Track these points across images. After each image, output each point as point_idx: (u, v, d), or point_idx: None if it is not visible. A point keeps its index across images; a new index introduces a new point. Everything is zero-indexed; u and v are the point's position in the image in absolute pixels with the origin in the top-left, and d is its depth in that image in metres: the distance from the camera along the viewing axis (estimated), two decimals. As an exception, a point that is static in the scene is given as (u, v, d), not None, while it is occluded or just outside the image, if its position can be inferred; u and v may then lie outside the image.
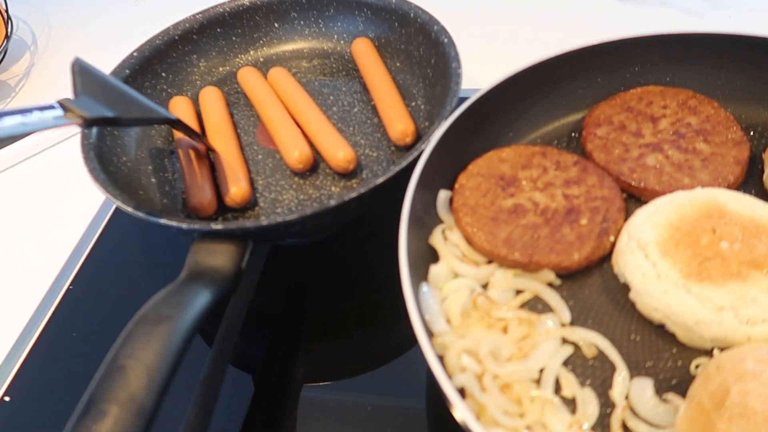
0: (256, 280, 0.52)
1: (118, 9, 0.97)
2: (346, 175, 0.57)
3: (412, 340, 0.52)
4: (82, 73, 0.47)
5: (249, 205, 0.56)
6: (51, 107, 0.39)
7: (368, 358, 0.52)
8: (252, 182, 0.57)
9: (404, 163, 0.48)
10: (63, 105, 0.40)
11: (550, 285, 0.45)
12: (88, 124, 0.41)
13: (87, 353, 0.54)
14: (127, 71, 0.62)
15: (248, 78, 0.65)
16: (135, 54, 0.64)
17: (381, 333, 0.53)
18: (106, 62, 0.81)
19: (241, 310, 0.49)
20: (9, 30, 0.86)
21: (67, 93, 0.81)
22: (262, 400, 0.50)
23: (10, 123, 0.34)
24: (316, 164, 0.58)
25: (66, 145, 0.74)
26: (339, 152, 0.56)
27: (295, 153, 0.54)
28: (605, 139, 0.53)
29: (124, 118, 0.45)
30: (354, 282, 0.57)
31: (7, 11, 0.85)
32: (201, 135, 0.55)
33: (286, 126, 0.57)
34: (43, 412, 0.51)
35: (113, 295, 0.59)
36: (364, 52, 0.65)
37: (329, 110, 0.64)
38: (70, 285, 0.59)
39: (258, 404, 0.50)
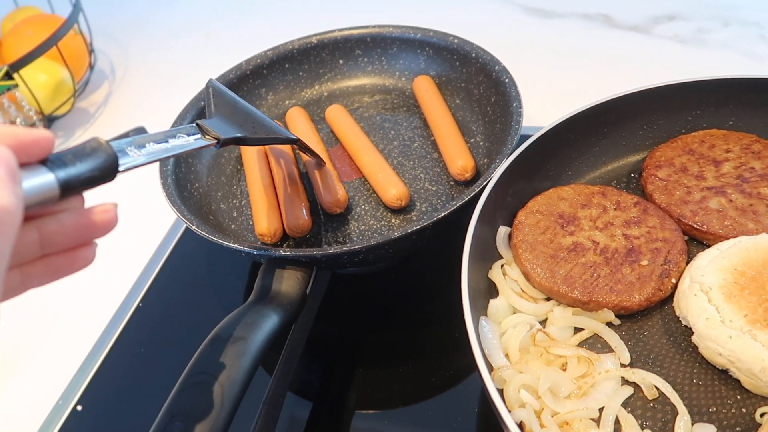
0: (317, 306, 0.54)
1: (190, 41, 1.03)
2: (405, 207, 0.59)
3: (465, 373, 0.53)
4: (215, 94, 0.50)
5: (311, 233, 0.58)
6: (195, 131, 0.41)
7: (420, 388, 0.53)
8: (312, 212, 0.59)
9: (466, 198, 0.50)
10: (200, 127, 0.42)
11: (610, 324, 0.45)
12: (221, 144, 0.43)
13: (154, 368, 0.57)
14: (202, 102, 0.66)
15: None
16: (210, 86, 0.67)
17: (434, 364, 0.54)
18: (179, 92, 0.86)
19: (302, 336, 0.51)
20: (92, 61, 0.93)
21: (142, 121, 0.86)
22: (316, 425, 0.52)
23: (157, 148, 0.36)
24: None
25: (140, 170, 0.78)
26: (392, 189, 0.57)
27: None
28: (666, 181, 0.53)
29: (251, 137, 0.47)
30: (409, 312, 0.58)
31: (91, 44, 0.92)
32: (317, 154, 0.58)
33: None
34: (113, 421, 0.53)
35: (178, 313, 0.62)
36: (426, 89, 0.68)
37: (390, 144, 0.66)
38: (140, 303, 0.62)
39: (311, 429, 0.51)
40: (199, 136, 0.41)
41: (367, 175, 0.61)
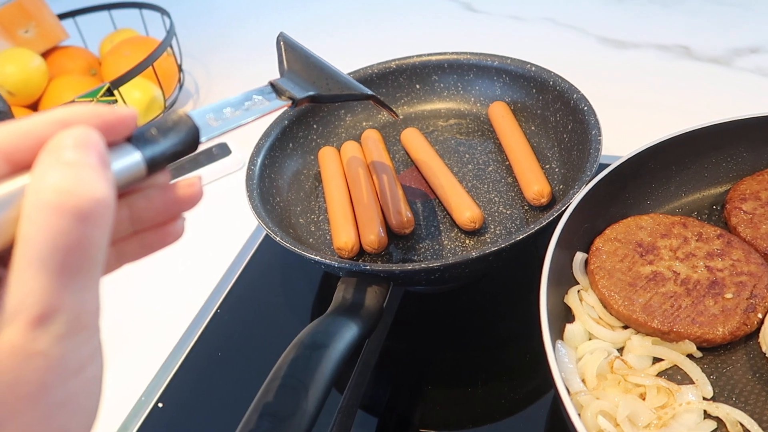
0: (390, 322, 0.55)
1: (268, 60, 1.08)
2: (479, 229, 0.60)
3: (533, 397, 0.53)
4: (287, 49, 0.47)
5: (385, 250, 0.60)
6: (269, 91, 0.38)
7: (487, 410, 0.53)
8: (388, 229, 0.61)
9: (545, 222, 0.50)
10: (274, 86, 0.39)
11: (691, 357, 0.45)
12: (296, 103, 0.40)
13: (230, 371, 0.59)
14: (286, 121, 0.70)
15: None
16: (293, 108, 0.71)
17: (502, 386, 0.54)
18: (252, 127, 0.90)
19: (376, 349, 0.52)
20: (181, 80, 0.98)
21: (224, 137, 0.90)
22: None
23: (235, 114, 0.34)
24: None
25: (221, 182, 0.82)
26: (466, 211, 0.58)
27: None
28: (752, 214, 0.52)
29: (325, 95, 0.45)
30: (478, 333, 0.58)
31: (180, 64, 0.98)
32: (392, 108, 0.55)
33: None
34: (191, 418, 0.56)
35: (253, 320, 0.64)
36: (501, 115, 0.69)
37: (464, 167, 0.67)
38: (218, 308, 0.65)
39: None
40: (274, 96, 0.39)
41: (441, 196, 0.63)
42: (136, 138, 0.27)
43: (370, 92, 0.50)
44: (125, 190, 0.27)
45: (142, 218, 0.30)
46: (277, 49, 0.47)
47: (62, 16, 1.02)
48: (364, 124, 0.76)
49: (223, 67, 1.10)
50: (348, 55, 1.03)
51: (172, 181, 0.30)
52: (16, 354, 0.21)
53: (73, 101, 0.75)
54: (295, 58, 0.46)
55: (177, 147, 0.28)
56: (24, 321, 0.21)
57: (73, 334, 0.22)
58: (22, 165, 0.24)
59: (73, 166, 0.22)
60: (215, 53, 1.15)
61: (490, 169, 0.66)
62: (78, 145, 0.23)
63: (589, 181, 0.51)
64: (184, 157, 0.31)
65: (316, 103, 0.45)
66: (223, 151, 0.85)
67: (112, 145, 0.26)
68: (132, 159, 0.26)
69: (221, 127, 0.32)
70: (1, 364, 0.21)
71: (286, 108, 0.40)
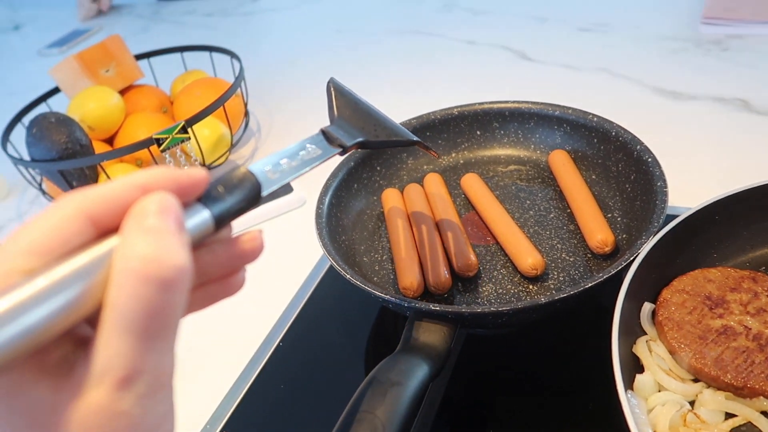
0: (453, 365, 0.56)
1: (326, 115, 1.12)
2: (540, 276, 0.61)
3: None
4: (337, 95, 0.49)
5: (449, 291, 0.61)
6: (321, 140, 0.40)
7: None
8: (453, 271, 0.62)
9: (613, 272, 0.51)
10: (326, 134, 0.41)
11: (765, 413, 0.44)
12: (344, 151, 0.42)
13: (292, 404, 0.60)
14: (352, 163, 0.72)
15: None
16: (358, 150, 0.74)
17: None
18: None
19: (440, 390, 0.53)
20: (246, 120, 1.03)
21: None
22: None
23: (291, 165, 0.35)
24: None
25: (283, 218, 0.85)
26: (528, 258, 0.59)
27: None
28: (825, 271, 0.51)
29: (373, 141, 0.46)
30: (539, 378, 0.58)
31: (246, 105, 1.03)
32: (434, 150, 0.57)
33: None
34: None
35: (314, 355, 0.66)
36: (562, 163, 0.70)
37: (525, 213, 0.69)
38: (280, 342, 0.67)
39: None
40: (326, 144, 0.40)
41: (503, 242, 0.64)
42: (205, 196, 0.29)
43: (415, 138, 0.51)
44: (195, 246, 0.28)
45: (207, 272, 0.31)
46: (327, 95, 0.49)
47: (138, 57, 1.09)
48: (425, 167, 0.78)
49: (286, 110, 1.15)
50: (406, 101, 1.06)
51: (235, 234, 0.32)
52: (103, 413, 0.23)
53: (150, 138, 0.80)
54: (344, 104, 0.48)
55: (242, 204, 0.30)
56: (110, 382, 0.23)
57: (153, 394, 0.24)
58: (107, 228, 0.26)
59: (156, 233, 0.24)
60: (279, 95, 1.20)
61: (552, 216, 0.67)
62: (159, 212, 0.25)
63: (657, 232, 0.52)
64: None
65: (365, 149, 0.46)
66: (285, 188, 0.88)
67: (185, 205, 0.28)
68: (202, 218, 0.28)
69: (279, 179, 0.34)
70: (89, 423, 0.23)
71: (336, 155, 0.41)
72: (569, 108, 0.73)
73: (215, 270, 0.31)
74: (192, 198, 0.28)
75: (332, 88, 0.49)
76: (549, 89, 1.03)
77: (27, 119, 0.90)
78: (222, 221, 0.29)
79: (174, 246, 0.24)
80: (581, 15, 1.26)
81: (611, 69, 1.05)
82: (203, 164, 0.90)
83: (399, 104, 1.03)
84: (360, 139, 0.44)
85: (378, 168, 0.75)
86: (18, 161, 0.85)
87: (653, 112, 0.92)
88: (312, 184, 0.81)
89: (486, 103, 0.77)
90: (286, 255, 0.78)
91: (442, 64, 1.20)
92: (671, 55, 1.05)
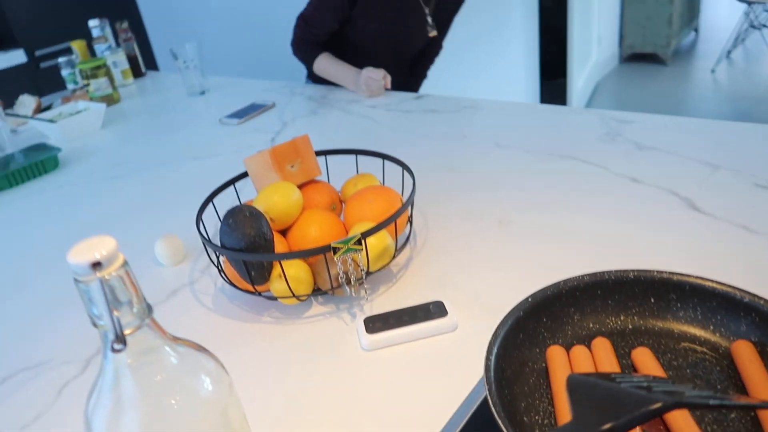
0: None
1: (483, 224, 1.15)
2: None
3: None
4: (574, 390, 0.51)
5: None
6: None
7: None
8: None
9: None
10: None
11: None
12: None
13: None
14: (521, 312, 0.73)
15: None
16: (530, 299, 0.75)
17: None
18: (473, 271, 0.95)
19: None
20: (410, 231, 1.08)
21: (437, 292, 0.96)
22: None
23: None
24: (687, 462, 0.59)
25: (434, 340, 0.87)
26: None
27: None
28: None
29: (618, 425, 0.46)
30: None
31: (411, 216, 1.08)
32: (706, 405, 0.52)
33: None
34: None
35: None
36: (749, 359, 0.66)
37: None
38: (425, 481, 0.67)
39: None
40: None
41: (674, 428, 0.61)
42: None
43: (670, 402, 0.48)
44: None
45: None
46: (567, 394, 0.51)
47: (318, 153, 1.19)
48: (591, 325, 0.77)
49: (440, 223, 1.19)
50: (560, 232, 1.06)
51: None
52: None
53: (328, 245, 0.86)
54: (581, 395, 0.50)
55: None
56: None
57: None
58: None
59: None
60: (431, 198, 1.25)
61: (732, 416, 0.63)
62: None
63: None
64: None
65: None
66: (439, 310, 0.91)
67: None
68: None
69: None
70: None
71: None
72: (762, 298, 0.69)
73: None
74: None
75: (570, 387, 0.51)
76: (720, 249, 0.99)
77: (217, 199, 1.00)
78: None
79: None
80: (758, 169, 1.21)
81: (795, 241, 0.99)
82: (367, 271, 0.95)
83: (555, 233, 1.03)
84: (606, 427, 0.45)
85: (545, 320, 0.75)
86: (208, 243, 0.94)
87: None
88: (464, 310, 0.83)
89: (666, 272, 0.75)
90: (435, 380, 0.79)
91: (601, 197, 1.20)
92: None
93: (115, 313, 0.47)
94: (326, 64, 1.99)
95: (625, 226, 1.09)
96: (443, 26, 2.11)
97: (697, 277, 0.74)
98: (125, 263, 0.48)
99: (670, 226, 1.08)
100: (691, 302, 0.74)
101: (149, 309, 0.50)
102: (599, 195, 1.20)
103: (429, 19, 1.98)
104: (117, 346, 0.47)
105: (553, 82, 4.66)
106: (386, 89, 1.95)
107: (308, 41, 1.97)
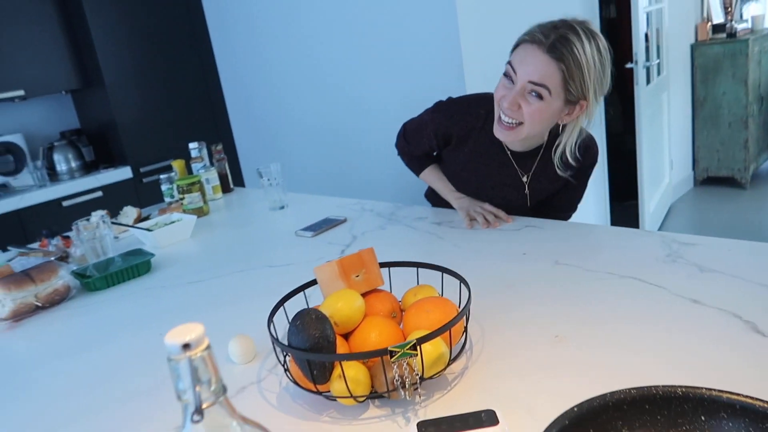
0: None
1: (540, 339, 1.18)
2: None
3: None
4: None
5: None
6: None
7: None
8: None
9: None
10: None
11: None
12: None
13: None
14: (566, 421, 0.75)
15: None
16: (575, 409, 0.77)
17: None
18: (530, 381, 0.97)
19: None
20: (464, 339, 1.13)
21: (490, 401, 0.98)
22: None
23: None
24: None
25: (485, 453, 0.88)
26: None
27: None
28: None
29: None
30: None
31: (466, 327, 1.13)
32: None
33: None
34: None
35: None
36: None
37: None
38: None
39: None
40: None
41: None
42: None
43: None
44: None
45: None
46: None
47: (381, 265, 1.28)
48: (640, 441, 0.77)
49: (496, 334, 1.22)
50: (620, 350, 1.07)
51: None
52: None
53: (386, 348, 0.92)
54: None
55: None
56: None
57: None
58: None
59: None
60: (488, 311, 1.29)
61: None
62: None
63: None
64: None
65: None
66: (490, 419, 0.93)
67: None
68: None
69: None
70: None
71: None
72: (814, 421, 0.69)
73: None
74: None
75: None
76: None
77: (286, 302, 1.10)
78: None
79: None
80: (826, 294, 1.19)
81: None
82: (422, 377, 0.99)
83: (610, 347, 1.05)
84: None
85: (591, 431, 0.77)
86: (277, 342, 1.03)
87: None
88: (515, 420, 0.86)
89: (715, 390, 0.76)
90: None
91: (659, 315, 1.20)
92: None
93: (197, 389, 0.55)
94: (432, 179, 2.04)
95: (682, 344, 1.09)
96: (537, 197, 1.94)
97: (747, 397, 0.74)
98: (209, 347, 0.57)
99: (730, 347, 1.07)
100: (743, 422, 0.74)
101: (224, 389, 0.58)
102: (657, 313, 1.21)
103: (524, 181, 1.87)
104: (196, 418, 0.55)
105: (624, 204, 4.67)
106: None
107: (408, 153, 2.06)
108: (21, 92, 3.85)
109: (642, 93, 4.09)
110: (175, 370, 0.55)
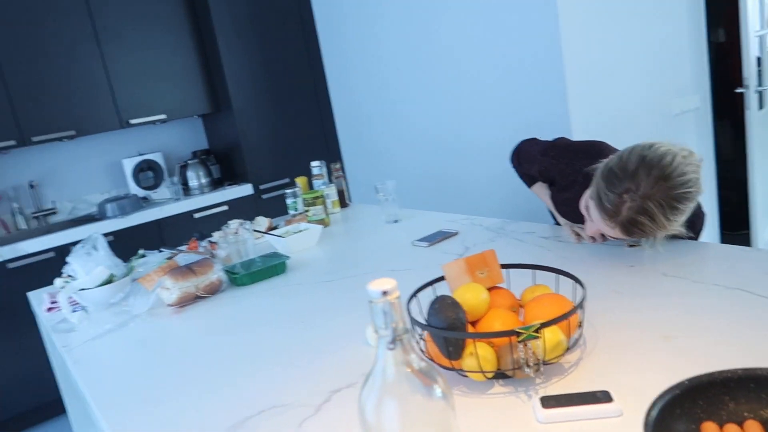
0: None
1: (649, 342, 1.29)
2: None
3: None
4: None
5: None
6: None
7: None
8: None
9: None
10: None
11: None
12: None
13: None
14: (679, 390, 0.88)
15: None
16: (686, 382, 0.90)
17: None
18: (641, 369, 1.09)
19: None
20: (579, 334, 1.27)
21: (603, 385, 1.11)
22: None
23: None
24: None
25: (595, 423, 1.02)
26: None
27: None
28: None
29: None
30: None
31: (581, 321, 1.27)
32: None
33: None
34: None
35: None
36: None
37: None
38: None
39: None
40: None
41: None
42: None
43: None
44: None
45: None
46: None
47: (502, 266, 1.45)
48: (745, 414, 0.89)
49: (609, 329, 1.35)
50: (740, 359, 1.17)
51: None
52: None
53: (513, 329, 1.09)
54: None
55: None
56: None
57: None
58: None
59: None
60: (602, 314, 1.41)
61: None
62: None
63: None
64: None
65: None
66: (606, 397, 1.07)
67: None
68: None
69: None
70: None
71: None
72: None
73: None
74: None
75: None
76: None
77: (419, 293, 1.29)
78: None
79: None
80: None
81: None
82: (542, 359, 1.14)
83: (718, 348, 1.15)
84: None
85: (700, 402, 0.89)
86: (415, 322, 1.22)
87: None
88: (628, 402, 0.99)
89: (816, 373, 0.86)
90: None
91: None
92: None
93: (392, 324, 0.75)
94: (542, 192, 2.19)
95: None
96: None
97: None
98: (398, 296, 0.77)
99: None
100: (843, 402, 0.83)
101: (407, 330, 0.78)
102: (766, 321, 1.29)
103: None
104: (391, 346, 0.75)
105: (735, 234, 4.51)
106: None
107: (521, 170, 2.24)
108: (163, 116, 4.39)
109: (753, 118, 3.99)
110: (376, 310, 0.76)
